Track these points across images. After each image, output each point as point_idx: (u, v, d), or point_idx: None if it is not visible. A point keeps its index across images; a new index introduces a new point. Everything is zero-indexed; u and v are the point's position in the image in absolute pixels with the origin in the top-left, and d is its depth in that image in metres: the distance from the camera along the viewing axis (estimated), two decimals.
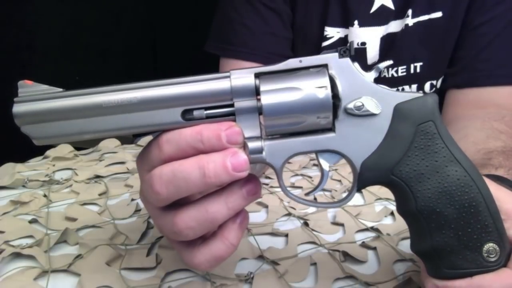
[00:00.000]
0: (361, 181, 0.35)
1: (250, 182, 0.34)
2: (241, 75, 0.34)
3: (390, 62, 0.38)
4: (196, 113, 0.34)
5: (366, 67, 0.80)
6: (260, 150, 0.34)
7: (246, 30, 0.79)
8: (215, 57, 0.84)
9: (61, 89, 0.35)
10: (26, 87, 0.34)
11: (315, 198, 0.59)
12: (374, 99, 0.34)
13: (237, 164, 0.32)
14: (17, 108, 0.34)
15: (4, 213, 0.56)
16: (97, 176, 0.67)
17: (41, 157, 0.76)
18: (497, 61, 0.74)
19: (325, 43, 0.80)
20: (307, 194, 0.37)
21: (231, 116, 0.34)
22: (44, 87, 0.34)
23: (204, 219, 0.34)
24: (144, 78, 0.34)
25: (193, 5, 1.47)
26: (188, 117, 0.34)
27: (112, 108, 0.34)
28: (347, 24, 0.78)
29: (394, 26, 0.78)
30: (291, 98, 0.33)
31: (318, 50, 0.80)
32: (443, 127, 0.34)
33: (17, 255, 0.46)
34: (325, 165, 0.35)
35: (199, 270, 0.43)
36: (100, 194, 0.61)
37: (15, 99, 0.34)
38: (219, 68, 0.83)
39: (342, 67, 0.34)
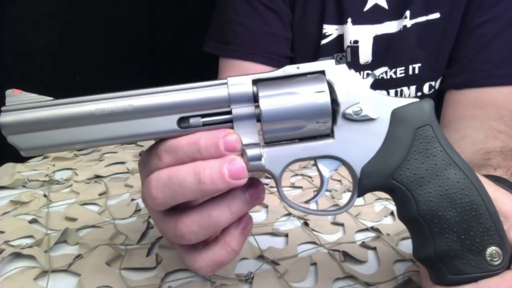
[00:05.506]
0: (362, 187, 0.35)
1: (253, 186, 0.34)
2: (238, 82, 0.33)
3: (385, 68, 0.38)
4: (192, 120, 0.33)
5: (358, 67, 0.81)
6: (259, 157, 0.33)
7: (246, 30, 0.79)
8: (215, 57, 0.84)
9: (50, 98, 0.34)
10: (14, 96, 0.33)
11: None
12: (371, 104, 0.34)
13: (235, 171, 0.31)
14: (4, 118, 0.33)
15: (4, 213, 0.56)
16: (97, 176, 0.67)
17: (41, 157, 0.76)
18: (497, 61, 0.74)
19: (324, 41, 0.80)
20: (306, 202, 0.37)
21: (228, 123, 0.34)
22: (33, 96, 0.33)
23: (207, 224, 0.33)
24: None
25: (192, 5, 1.47)
26: (184, 125, 0.33)
27: (105, 116, 0.33)
28: (341, 21, 0.78)
29: (391, 27, 0.78)
30: (290, 103, 0.33)
31: (317, 49, 0.80)
32: (440, 131, 0.34)
33: (17, 255, 0.46)
34: (325, 171, 0.35)
35: (200, 274, 0.43)
36: (100, 194, 0.61)
37: (2, 108, 0.33)
38: (218, 68, 0.83)
39: (339, 73, 0.34)
